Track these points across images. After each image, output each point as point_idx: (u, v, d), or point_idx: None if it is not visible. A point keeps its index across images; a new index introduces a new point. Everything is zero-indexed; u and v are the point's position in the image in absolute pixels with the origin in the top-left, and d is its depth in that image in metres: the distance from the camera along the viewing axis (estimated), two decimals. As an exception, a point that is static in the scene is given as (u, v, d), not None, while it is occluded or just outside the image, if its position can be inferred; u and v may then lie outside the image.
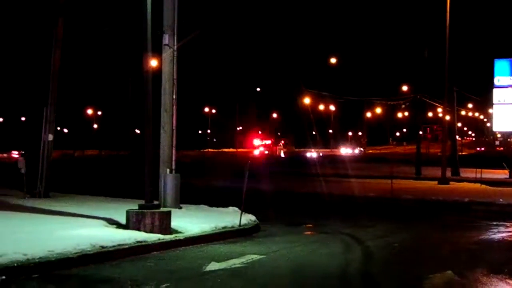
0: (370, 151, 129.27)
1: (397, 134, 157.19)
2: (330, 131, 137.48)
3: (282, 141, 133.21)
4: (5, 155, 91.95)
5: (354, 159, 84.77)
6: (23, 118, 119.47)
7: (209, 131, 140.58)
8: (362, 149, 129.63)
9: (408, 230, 19.33)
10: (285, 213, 22.93)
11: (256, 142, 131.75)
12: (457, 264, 13.43)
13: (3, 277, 11.10)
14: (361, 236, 17.28)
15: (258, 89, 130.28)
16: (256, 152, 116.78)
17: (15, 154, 75.83)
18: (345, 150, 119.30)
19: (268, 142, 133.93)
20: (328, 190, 32.10)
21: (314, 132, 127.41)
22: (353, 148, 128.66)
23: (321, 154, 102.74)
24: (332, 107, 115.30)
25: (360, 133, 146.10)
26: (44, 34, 26.81)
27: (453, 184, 38.08)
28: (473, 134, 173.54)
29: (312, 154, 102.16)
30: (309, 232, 18.68)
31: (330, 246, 15.72)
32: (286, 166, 64.33)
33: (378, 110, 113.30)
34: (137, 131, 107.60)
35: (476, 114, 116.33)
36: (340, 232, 18.08)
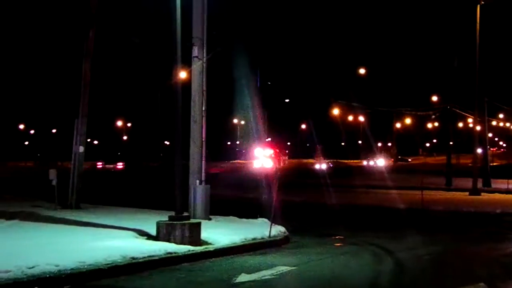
0: (400, 162, 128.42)
1: (427, 144, 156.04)
2: (360, 142, 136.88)
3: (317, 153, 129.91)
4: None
5: (383, 170, 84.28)
6: (54, 130, 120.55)
7: (238, 142, 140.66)
8: (389, 159, 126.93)
9: (439, 242, 19.14)
10: (314, 224, 22.87)
11: (258, 152, 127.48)
12: (489, 276, 13.28)
13: (36, 288, 11.23)
14: (391, 247, 17.16)
15: (287, 100, 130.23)
16: (257, 163, 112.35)
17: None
18: (372, 162, 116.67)
19: (271, 152, 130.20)
20: (356, 201, 31.95)
21: (343, 143, 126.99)
22: (376, 159, 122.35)
23: (331, 165, 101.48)
24: (361, 118, 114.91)
25: (389, 144, 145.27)
26: (76, 46, 27.08)
27: (485, 195, 37.73)
28: (504, 145, 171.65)
29: (321, 165, 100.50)
30: (338, 244, 18.58)
31: (360, 257, 15.63)
32: (314, 177, 64.10)
33: (408, 121, 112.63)
34: (166, 142, 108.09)
35: (508, 124, 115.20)
36: (370, 244, 17.97)
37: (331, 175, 66.32)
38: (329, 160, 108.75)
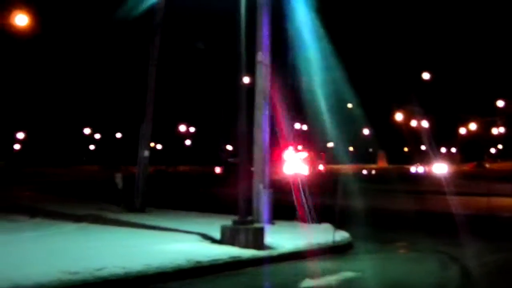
0: (465, 167, 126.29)
1: (492, 150, 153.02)
2: (423, 147, 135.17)
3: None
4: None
5: (446, 176, 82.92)
6: (119, 135, 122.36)
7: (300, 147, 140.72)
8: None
9: (506, 249, 18.75)
10: (377, 230, 22.62)
11: (288, 155, 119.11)
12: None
13: (104, 290, 11.44)
14: (456, 254, 16.89)
15: (350, 105, 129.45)
16: (289, 169, 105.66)
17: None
18: (423, 167, 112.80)
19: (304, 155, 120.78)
20: (420, 207, 31.54)
21: (406, 149, 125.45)
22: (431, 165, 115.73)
23: (373, 172, 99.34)
24: (425, 123, 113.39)
25: (453, 150, 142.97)
26: (142, 52, 27.47)
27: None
28: None
29: (366, 171, 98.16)
30: (402, 250, 18.41)
31: (425, 264, 15.45)
32: (375, 183, 63.58)
33: (473, 126, 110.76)
34: (229, 147, 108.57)
35: None
36: (434, 250, 17.72)
37: (393, 181, 65.60)
38: (391, 166, 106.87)
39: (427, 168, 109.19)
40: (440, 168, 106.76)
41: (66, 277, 11.49)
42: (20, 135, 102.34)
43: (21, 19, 32.13)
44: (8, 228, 19.21)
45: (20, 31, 31.24)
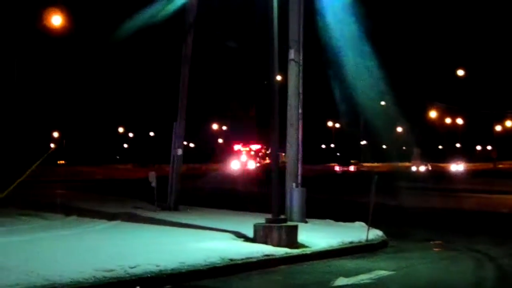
0: (500, 165, 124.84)
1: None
2: (458, 145, 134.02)
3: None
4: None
5: (481, 174, 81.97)
6: (152, 133, 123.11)
7: (332, 145, 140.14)
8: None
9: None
10: (411, 229, 22.47)
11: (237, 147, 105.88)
12: None
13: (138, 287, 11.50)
14: (493, 253, 16.67)
15: (383, 102, 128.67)
16: (234, 165, 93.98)
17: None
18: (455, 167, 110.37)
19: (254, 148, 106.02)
20: (455, 205, 31.27)
21: (440, 146, 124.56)
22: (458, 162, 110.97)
23: (429, 168, 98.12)
24: (459, 121, 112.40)
25: (489, 148, 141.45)
26: (174, 51, 27.56)
27: None
28: None
29: (419, 168, 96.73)
30: (437, 249, 18.23)
31: (461, 263, 15.28)
32: (409, 181, 63.13)
33: (508, 123, 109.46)
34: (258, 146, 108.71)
35: None
36: (470, 249, 17.52)
37: (428, 179, 65.12)
38: (426, 163, 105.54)
39: (461, 166, 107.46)
40: (457, 166, 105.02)
41: (100, 274, 11.57)
42: (55, 134, 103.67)
43: (55, 19, 32.48)
44: (42, 226, 19.44)
45: (55, 31, 31.58)
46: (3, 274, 11.25)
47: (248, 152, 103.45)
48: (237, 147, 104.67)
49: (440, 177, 71.51)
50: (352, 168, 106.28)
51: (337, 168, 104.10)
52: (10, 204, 24.76)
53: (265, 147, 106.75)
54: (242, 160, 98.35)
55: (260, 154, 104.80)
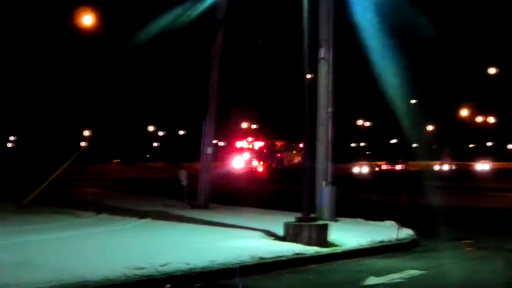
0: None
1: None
2: (489, 143, 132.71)
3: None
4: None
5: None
6: (182, 132, 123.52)
7: (362, 144, 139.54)
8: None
9: None
10: (441, 228, 22.27)
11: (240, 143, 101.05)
12: None
13: (168, 286, 11.53)
14: (525, 253, 16.52)
15: (413, 101, 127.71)
16: (237, 163, 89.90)
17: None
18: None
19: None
20: (484, 204, 30.96)
21: (471, 145, 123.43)
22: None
23: (453, 167, 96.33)
24: (491, 119, 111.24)
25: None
26: (204, 49, 27.60)
27: None
28: None
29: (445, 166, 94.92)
30: (469, 248, 18.06)
31: (493, 263, 15.11)
32: (440, 180, 62.69)
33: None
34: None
35: None
36: (502, 249, 17.32)
37: (453, 177, 64.67)
38: (452, 162, 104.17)
39: (487, 165, 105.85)
40: (483, 166, 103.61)
41: (131, 272, 11.63)
42: (86, 133, 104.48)
43: (87, 19, 32.69)
44: (74, 224, 19.60)
45: (86, 30, 31.76)
46: (36, 272, 11.35)
47: (251, 150, 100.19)
48: (239, 144, 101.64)
49: (465, 176, 71.00)
50: (399, 167, 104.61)
51: (384, 166, 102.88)
52: (42, 202, 25.02)
53: (269, 143, 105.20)
54: (245, 159, 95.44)
55: (263, 152, 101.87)
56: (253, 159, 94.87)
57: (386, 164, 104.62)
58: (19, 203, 24.54)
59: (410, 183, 20.54)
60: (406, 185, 18.31)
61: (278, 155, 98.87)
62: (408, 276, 13.02)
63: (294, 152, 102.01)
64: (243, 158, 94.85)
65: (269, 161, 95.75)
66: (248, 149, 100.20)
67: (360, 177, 70.41)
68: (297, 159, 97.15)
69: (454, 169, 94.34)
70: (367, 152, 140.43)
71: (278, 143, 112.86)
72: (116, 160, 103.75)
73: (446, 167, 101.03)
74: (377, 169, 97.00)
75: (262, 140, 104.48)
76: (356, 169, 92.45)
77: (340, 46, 22.07)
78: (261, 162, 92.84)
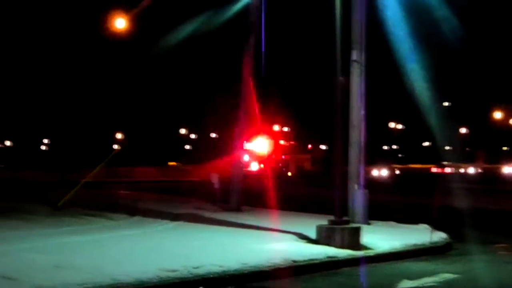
0: None
1: None
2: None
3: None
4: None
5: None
6: (213, 135, 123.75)
7: (394, 146, 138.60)
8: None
9: None
10: (476, 231, 22.07)
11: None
12: None
13: (201, 288, 11.62)
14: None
15: (446, 103, 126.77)
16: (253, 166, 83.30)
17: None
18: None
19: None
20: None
21: (505, 148, 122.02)
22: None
23: (479, 171, 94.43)
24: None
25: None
26: (236, 51, 27.63)
27: None
28: None
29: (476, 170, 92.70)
30: (503, 252, 17.88)
31: (528, 267, 14.98)
32: (474, 183, 62.12)
33: None
34: (323, 147, 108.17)
35: None
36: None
37: (481, 180, 63.99)
38: (483, 165, 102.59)
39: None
40: (510, 169, 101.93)
41: (164, 274, 11.70)
42: (119, 136, 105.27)
43: (119, 23, 32.96)
44: (108, 226, 19.78)
45: (118, 34, 32.03)
46: (71, 273, 11.48)
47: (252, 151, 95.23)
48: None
49: (494, 179, 70.25)
50: (447, 169, 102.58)
51: (434, 169, 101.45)
52: (76, 204, 25.27)
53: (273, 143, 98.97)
54: (244, 161, 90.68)
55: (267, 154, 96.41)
56: (254, 161, 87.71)
57: (435, 167, 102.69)
58: (54, 205, 24.80)
59: (440, 185, 20.36)
60: (435, 187, 18.15)
61: (283, 157, 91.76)
62: (441, 280, 12.94)
63: (302, 154, 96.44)
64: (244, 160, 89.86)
65: (275, 164, 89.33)
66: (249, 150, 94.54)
67: (389, 180, 70.02)
68: (305, 163, 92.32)
69: (482, 172, 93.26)
70: (399, 155, 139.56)
71: (285, 144, 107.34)
72: (172, 163, 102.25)
73: (473, 170, 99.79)
74: (397, 172, 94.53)
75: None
76: (375, 172, 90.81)
77: (373, 48, 22.02)
78: (262, 165, 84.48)
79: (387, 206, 31.28)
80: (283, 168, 79.79)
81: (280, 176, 68.29)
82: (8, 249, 14.20)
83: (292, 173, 78.86)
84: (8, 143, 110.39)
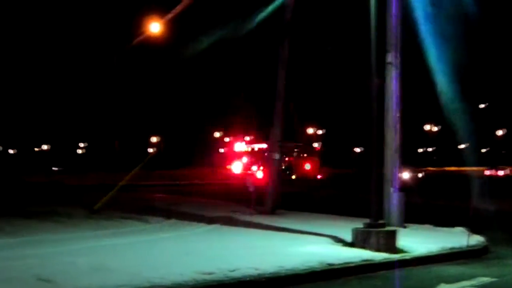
0: None
1: None
2: None
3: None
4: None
5: None
6: (248, 138, 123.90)
7: (429, 149, 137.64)
8: None
9: None
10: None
11: (238, 146, 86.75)
12: None
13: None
14: None
15: (482, 105, 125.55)
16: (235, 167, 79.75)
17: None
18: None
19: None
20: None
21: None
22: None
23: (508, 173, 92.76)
24: None
25: None
26: (271, 53, 27.66)
27: None
28: None
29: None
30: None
31: None
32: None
33: None
34: (357, 149, 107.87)
35: None
36: None
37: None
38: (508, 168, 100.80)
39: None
40: None
41: (201, 277, 11.76)
42: (154, 139, 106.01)
43: (154, 27, 33.25)
44: (144, 229, 19.90)
45: (154, 38, 32.30)
46: (108, 276, 11.60)
47: (251, 153, 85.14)
48: (238, 146, 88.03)
49: None
50: (501, 172, 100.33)
51: (487, 172, 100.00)
52: (112, 207, 25.47)
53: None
54: (243, 162, 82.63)
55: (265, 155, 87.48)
56: (252, 164, 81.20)
57: (488, 169, 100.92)
58: (90, 208, 25.04)
59: (476, 187, 20.14)
60: (471, 190, 17.98)
61: (287, 158, 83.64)
62: (479, 284, 12.83)
63: (306, 155, 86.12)
64: (242, 162, 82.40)
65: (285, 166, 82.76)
66: (247, 152, 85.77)
67: (423, 182, 69.44)
68: (309, 164, 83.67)
69: (507, 175, 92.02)
70: (434, 157, 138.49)
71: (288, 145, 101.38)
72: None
73: (500, 172, 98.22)
74: (421, 174, 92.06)
75: (266, 142, 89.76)
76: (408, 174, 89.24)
77: (408, 51, 21.90)
78: (262, 167, 75.62)
79: (423, 208, 31.07)
80: (287, 172, 74.17)
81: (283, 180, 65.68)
82: (46, 252, 14.40)
83: (296, 176, 74.54)
84: (45, 147, 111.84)
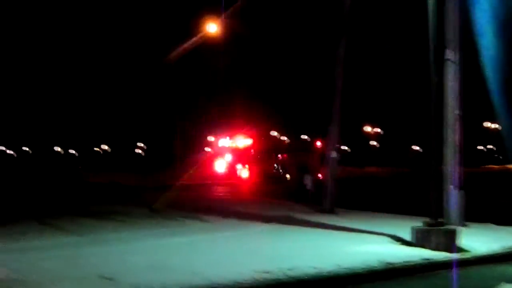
0: None
1: None
2: None
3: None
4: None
5: None
6: (305, 136, 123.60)
7: (489, 146, 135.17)
8: None
9: None
10: None
11: (223, 142, 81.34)
12: None
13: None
14: None
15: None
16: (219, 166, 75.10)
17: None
18: None
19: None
20: None
21: None
22: None
23: None
24: None
25: None
26: (328, 52, 27.54)
27: None
28: None
29: None
30: None
31: None
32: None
33: None
34: (416, 148, 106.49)
35: None
36: None
37: None
38: None
39: None
40: None
41: (260, 276, 11.79)
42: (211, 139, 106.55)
43: (212, 27, 33.47)
44: (202, 228, 20.03)
45: (212, 38, 32.49)
46: (168, 274, 11.73)
47: (235, 150, 79.46)
48: (222, 142, 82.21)
49: None
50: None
51: None
52: (170, 206, 25.71)
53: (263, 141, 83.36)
54: (227, 160, 77.36)
55: (250, 153, 78.96)
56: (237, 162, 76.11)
57: None
58: (149, 207, 25.32)
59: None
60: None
61: (279, 156, 76.90)
62: (543, 283, 12.57)
63: (304, 153, 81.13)
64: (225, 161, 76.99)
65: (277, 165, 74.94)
66: (232, 149, 79.68)
67: (484, 180, 68.16)
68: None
69: None
70: (496, 155, 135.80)
71: (284, 142, 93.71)
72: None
73: None
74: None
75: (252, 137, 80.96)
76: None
77: (468, 47, 21.55)
78: (247, 166, 73.56)
79: (484, 207, 30.52)
80: (280, 170, 68.93)
81: (277, 179, 63.33)
82: (108, 251, 14.64)
83: (291, 176, 67.97)
84: (105, 147, 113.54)
